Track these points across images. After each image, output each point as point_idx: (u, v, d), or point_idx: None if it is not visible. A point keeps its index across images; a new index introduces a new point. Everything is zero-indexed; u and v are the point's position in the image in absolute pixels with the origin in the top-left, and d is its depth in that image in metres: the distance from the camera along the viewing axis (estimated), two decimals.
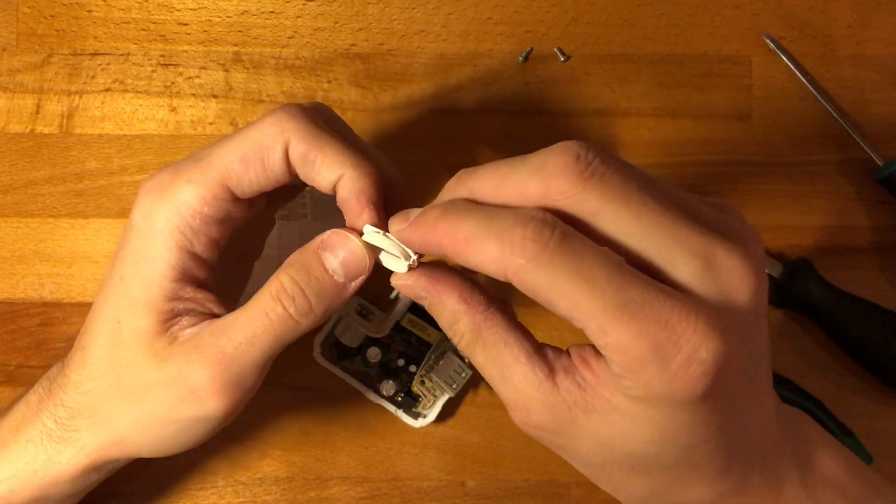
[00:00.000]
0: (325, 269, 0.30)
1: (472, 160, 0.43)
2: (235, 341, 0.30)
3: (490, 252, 0.25)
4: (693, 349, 0.23)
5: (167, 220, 0.30)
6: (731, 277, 0.25)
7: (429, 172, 0.43)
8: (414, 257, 0.29)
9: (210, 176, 0.30)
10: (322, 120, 0.31)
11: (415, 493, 0.42)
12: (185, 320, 0.31)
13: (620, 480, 0.28)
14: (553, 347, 0.28)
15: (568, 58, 0.43)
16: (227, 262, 0.33)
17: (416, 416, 0.41)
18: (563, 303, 0.24)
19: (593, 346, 0.27)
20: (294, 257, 0.31)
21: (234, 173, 0.30)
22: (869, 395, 0.43)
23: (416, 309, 0.41)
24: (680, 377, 0.23)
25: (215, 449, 0.42)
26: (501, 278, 0.25)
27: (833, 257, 0.43)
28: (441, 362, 0.40)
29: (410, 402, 0.41)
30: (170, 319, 0.31)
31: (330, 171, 0.30)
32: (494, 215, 0.25)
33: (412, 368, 0.41)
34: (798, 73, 0.43)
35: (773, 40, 0.43)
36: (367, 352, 0.41)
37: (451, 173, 0.40)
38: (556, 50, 0.43)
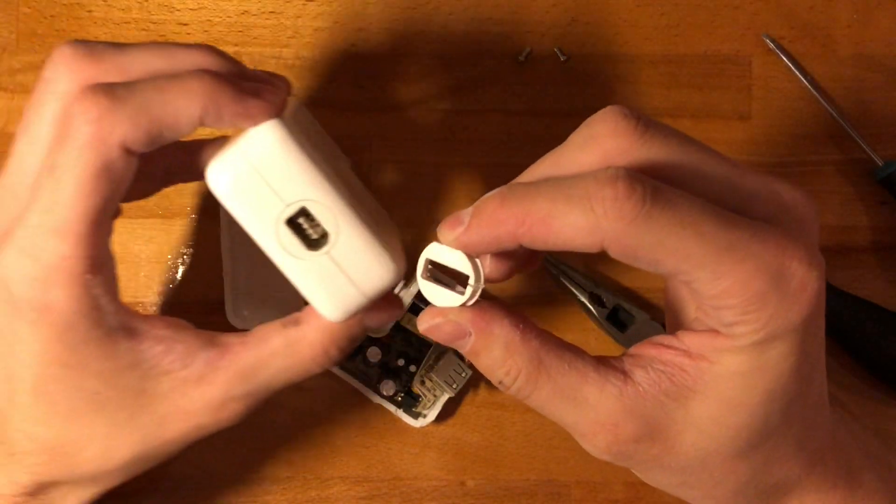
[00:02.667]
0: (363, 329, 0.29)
1: (472, 160, 0.43)
2: (265, 375, 0.29)
3: (579, 223, 0.23)
4: (804, 273, 0.23)
5: (72, 304, 0.26)
6: (798, 210, 0.25)
7: (429, 173, 0.43)
8: (475, 279, 0.25)
9: (71, 230, 0.26)
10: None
11: (415, 493, 0.42)
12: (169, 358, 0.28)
13: (721, 473, 0.26)
14: (604, 356, 0.26)
15: (568, 58, 0.43)
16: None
17: (416, 416, 0.41)
18: (670, 258, 0.23)
19: (663, 335, 0.26)
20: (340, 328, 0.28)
21: (90, 211, 0.26)
22: (869, 395, 0.43)
23: (417, 309, 0.41)
24: (796, 302, 0.23)
25: (215, 449, 0.42)
26: (595, 249, 0.23)
27: (833, 257, 0.43)
28: (441, 362, 0.40)
29: (410, 402, 0.41)
30: (152, 361, 0.28)
31: (190, 119, 0.26)
32: (570, 183, 0.23)
33: (412, 368, 0.41)
34: (798, 73, 0.43)
35: (773, 40, 0.43)
36: (367, 352, 0.41)
37: (452, 173, 0.40)
38: (555, 50, 0.43)
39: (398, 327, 0.41)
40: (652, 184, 0.23)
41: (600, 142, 0.24)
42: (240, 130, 0.27)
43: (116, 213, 0.29)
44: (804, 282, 0.23)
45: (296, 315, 0.30)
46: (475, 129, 0.43)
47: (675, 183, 0.24)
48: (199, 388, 0.28)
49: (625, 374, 0.25)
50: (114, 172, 0.26)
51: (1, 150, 0.43)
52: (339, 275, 0.27)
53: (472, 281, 0.26)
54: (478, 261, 0.26)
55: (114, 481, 0.30)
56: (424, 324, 0.26)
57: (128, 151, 0.26)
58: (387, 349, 0.41)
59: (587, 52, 0.43)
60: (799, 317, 0.24)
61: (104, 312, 0.27)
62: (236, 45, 0.43)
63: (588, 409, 0.25)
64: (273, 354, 0.29)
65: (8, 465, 0.29)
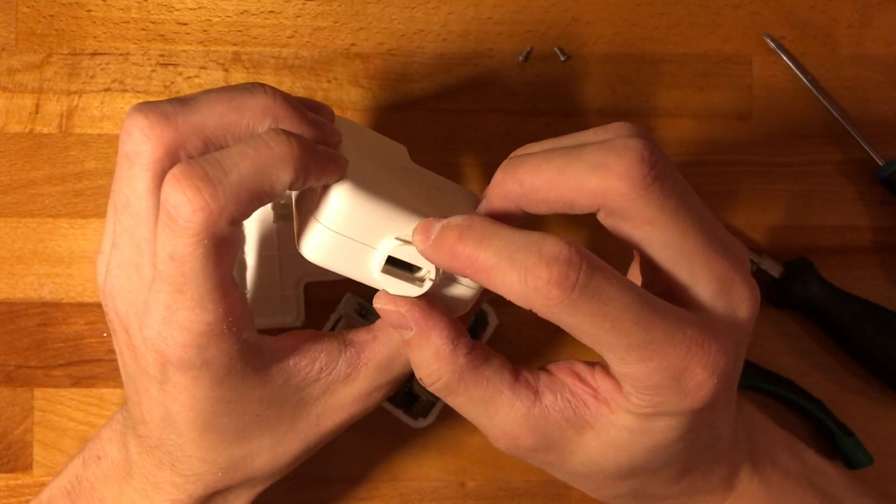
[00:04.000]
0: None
1: (472, 160, 0.43)
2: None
3: (514, 287, 0.25)
4: (706, 375, 0.25)
5: (226, 355, 0.29)
6: (740, 299, 0.27)
7: None
8: (432, 275, 0.28)
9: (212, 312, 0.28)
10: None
11: (415, 493, 0.42)
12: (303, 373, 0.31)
13: (603, 485, 0.30)
14: (529, 368, 0.29)
15: (568, 58, 0.43)
16: None
17: (416, 416, 0.41)
18: (584, 337, 0.25)
19: (585, 363, 0.29)
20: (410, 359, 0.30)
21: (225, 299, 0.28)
22: (869, 395, 0.43)
23: None
24: (689, 398, 0.26)
25: None
26: (525, 307, 0.25)
27: (833, 257, 0.43)
28: None
29: (410, 402, 0.41)
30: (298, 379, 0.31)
31: (282, 186, 0.28)
32: (518, 246, 0.25)
33: None
34: (798, 73, 0.43)
35: (773, 40, 0.43)
36: None
37: (452, 173, 0.40)
38: (556, 50, 0.43)
39: None
40: (587, 270, 0.24)
41: (608, 177, 0.26)
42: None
43: None
44: (700, 384, 0.26)
45: None
46: (475, 129, 0.43)
47: (646, 247, 0.27)
48: (346, 386, 0.31)
49: (536, 393, 0.28)
50: (227, 244, 0.27)
51: (1, 149, 0.43)
52: (448, 281, 0.29)
53: (431, 276, 0.28)
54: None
55: (281, 475, 0.33)
56: (378, 304, 0.29)
57: (235, 223, 0.27)
58: None
59: (587, 52, 0.43)
60: (689, 408, 0.26)
61: (253, 349, 0.29)
62: (235, 44, 0.43)
63: (497, 419, 0.28)
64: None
65: (182, 483, 0.31)
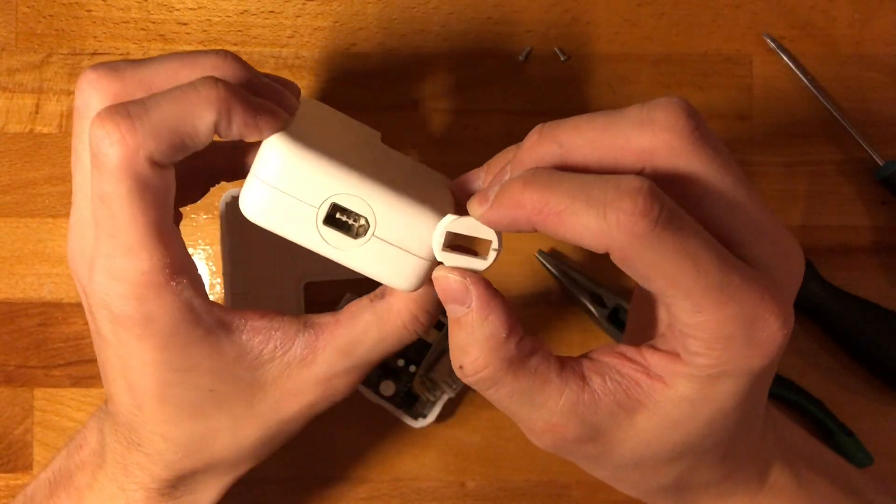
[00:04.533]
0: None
1: (472, 160, 0.43)
2: (367, 347, 0.30)
3: (590, 225, 0.23)
4: (775, 328, 0.24)
5: (165, 301, 0.28)
6: (793, 263, 0.27)
7: None
8: (497, 244, 0.26)
9: (144, 246, 0.27)
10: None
11: (415, 494, 0.42)
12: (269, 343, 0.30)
13: (649, 474, 0.28)
14: (570, 357, 0.28)
15: (568, 57, 0.43)
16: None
17: (416, 416, 0.41)
18: (662, 280, 0.24)
19: (626, 346, 0.27)
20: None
21: (151, 225, 0.27)
22: (869, 395, 0.43)
23: None
24: (758, 352, 0.24)
25: None
26: (600, 251, 0.24)
27: (833, 257, 0.43)
28: (441, 363, 0.40)
29: (410, 402, 0.41)
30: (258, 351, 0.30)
31: (207, 128, 0.27)
32: (592, 184, 0.24)
33: (412, 368, 0.41)
34: (798, 73, 0.43)
35: (773, 40, 0.43)
36: None
37: (452, 173, 0.40)
38: (556, 50, 0.43)
39: None
40: (669, 206, 0.23)
41: (657, 129, 0.25)
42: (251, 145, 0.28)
43: (177, 218, 0.31)
44: (772, 335, 0.25)
45: (382, 288, 0.31)
46: (475, 129, 0.43)
47: (701, 201, 0.25)
48: (303, 369, 0.30)
49: (583, 379, 0.27)
50: (153, 187, 0.27)
51: (1, 149, 0.43)
52: (393, 249, 0.27)
53: (494, 245, 0.27)
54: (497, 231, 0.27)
55: (247, 466, 0.32)
56: (442, 271, 0.27)
57: (159, 165, 0.27)
58: None
59: (587, 52, 0.43)
60: (757, 365, 0.25)
61: (199, 313, 0.28)
62: (235, 44, 0.43)
63: (544, 410, 0.26)
64: (366, 328, 0.30)
65: (147, 464, 0.31)
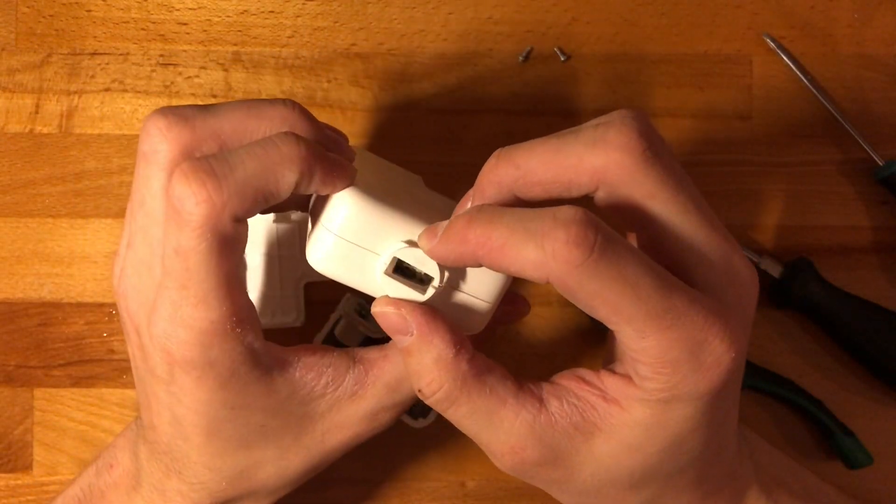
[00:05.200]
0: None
1: (472, 160, 0.43)
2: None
3: (530, 257, 0.24)
4: (722, 352, 0.25)
5: (227, 348, 0.28)
6: (744, 282, 0.27)
7: (429, 172, 0.43)
8: (436, 281, 0.27)
9: (217, 309, 0.28)
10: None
11: (415, 494, 0.42)
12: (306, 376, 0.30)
13: (614, 500, 0.29)
14: (530, 380, 0.28)
15: (568, 57, 0.43)
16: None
17: (416, 416, 0.41)
18: (603, 307, 0.24)
19: (587, 370, 0.28)
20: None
21: (227, 282, 0.28)
22: (869, 395, 0.43)
23: None
24: (706, 376, 0.25)
25: None
26: (542, 282, 0.24)
27: (833, 257, 0.43)
28: None
29: None
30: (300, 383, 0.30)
31: (288, 187, 0.28)
32: (531, 217, 0.24)
33: None
34: (798, 73, 0.43)
35: (773, 40, 0.43)
36: None
37: (452, 173, 0.40)
38: (556, 50, 0.43)
39: None
40: (605, 233, 0.24)
41: (608, 150, 0.25)
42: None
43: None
44: (719, 359, 0.25)
45: None
46: (475, 129, 0.43)
47: (651, 223, 0.26)
48: (352, 404, 0.30)
49: (541, 401, 0.27)
50: (231, 241, 0.27)
51: (1, 149, 0.43)
52: (459, 295, 0.28)
53: (435, 283, 0.27)
54: (443, 267, 0.28)
55: (287, 491, 0.33)
56: (378, 307, 0.28)
57: (238, 221, 0.27)
58: None
59: (587, 52, 0.43)
60: (706, 388, 0.25)
61: (258, 355, 0.29)
62: (235, 44, 0.43)
63: (501, 431, 0.27)
64: None
65: (189, 492, 0.31)
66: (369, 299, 0.40)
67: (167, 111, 0.28)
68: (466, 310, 0.29)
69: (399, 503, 0.42)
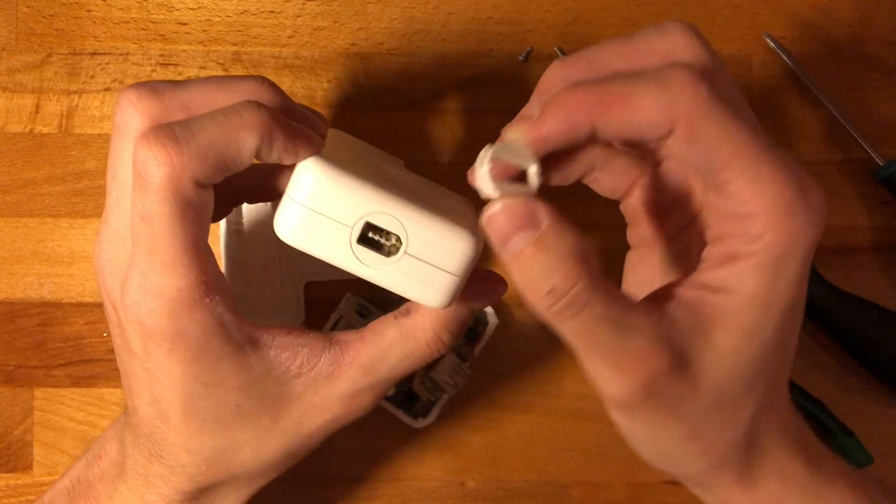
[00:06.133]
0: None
1: (472, 160, 0.43)
2: (389, 368, 0.30)
3: (655, 98, 0.24)
4: (819, 193, 0.25)
5: (197, 316, 0.28)
6: (818, 203, 0.26)
7: (429, 173, 0.43)
8: (539, 170, 0.26)
9: (180, 263, 0.28)
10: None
11: (415, 493, 0.42)
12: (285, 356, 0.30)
13: (729, 414, 0.27)
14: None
15: None
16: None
17: (416, 416, 0.41)
18: (725, 148, 0.24)
19: (674, 282, 0.27)
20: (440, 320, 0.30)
21: (191, 242, 0.28)
22: (869, 395, 0.43)
23: None
24: (815, 217, 0.25)
25: None
26: (666, 129, 0.24)
27: (833, 257, 0.43)
28: (441, 362, 0.40)
29: (410, 402, 0.41)
30: (275, 363, 0.30)
31: (249, 152, 0.28)
32: (642, 71, 0.25)
33: None
34: (798, 73, 0.43)
35: (773, 40, 0.43)
36: None
37: (452, 173, 0.40)
38: (556, 50, 0.43)
39: None
40: (712, 80, 0.24)
41: (673, 35, 0.27)
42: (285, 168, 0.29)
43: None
44: (820, 201, 0.25)
45: (407, 305, 0.31)
46: (475, 129, 0.43)
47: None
48: (329, 385, 0.30)
49: (657, 303, 0.26)
50: (195, 207, 0.27)
51: (1, 149, 0.43)
52: (425, 266, 0.28)
53: (534, 171, 0.26)
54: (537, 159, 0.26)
55: (268, 478, 0.33)
56: (495, 206, 0.25)
57: (201, 186, 0.27)
58: None
59: None
60: (813, 235, 0.25)
61: (229, 329, 0.29)
62: (235, 44, 0.43)
63: (632, 337, 0.25)
64: (390, 346, 0.31)
65: (170, 476, 0.31)
66: (369, 299, 0.41)
67: (139, 85, 0.29)
68: (432, 281, 0.28)
69: (399, 503, 0.42)
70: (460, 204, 0.33)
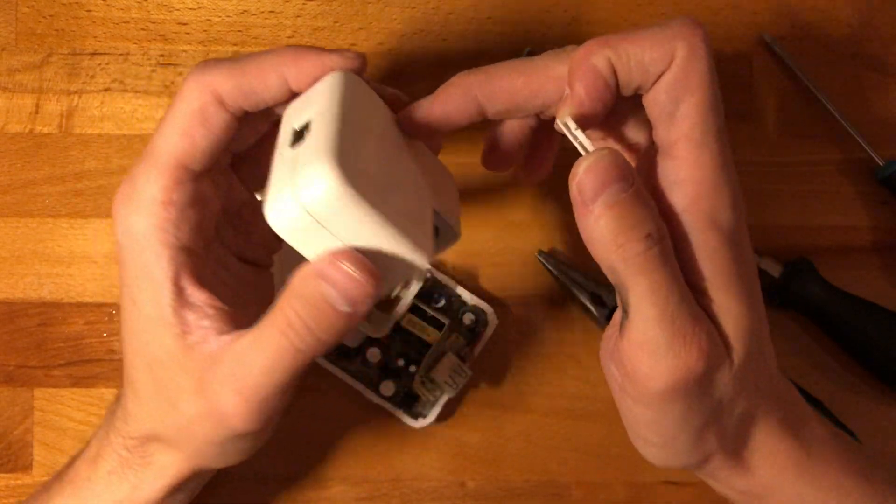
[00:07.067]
0: (327, 302, 0.27)
1: (471, 160, 0.43)
2: (254, 374, 0.28)
3: (658, 33, 0.29)
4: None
5: (144, 223, 0.28)
6: None
7: None
8: (588, 145, 0.28)
9: (162, 162, 0.29)
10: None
11: (415, 494, 0.42)
12: (200, 332, 0.29)
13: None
14: None
15: None
16: (232, 266, 0.33)
17: (416, 416, 0.41)
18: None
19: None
20: (297, 284, 0.27)
21: (181, 150, 0.29)
22: (869, 395, 0.43)
23: (416, 309, 0.41)
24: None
25: None
26: (663, 65, 0.29)
27: (833, 257, 0.43)
28: (441, 362, 0.40)
29: (410, 402, 0.41)
30: (187, 332, 0.29)
31: (278, 76, 0.29)
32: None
33: (412, 368, 0.41)
34: (798, 73, 0.43)
35: (773, 40, 0.43)
36: (367, 352, 0.41)
37: (452, 174, 0.40)
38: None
39: (398, 328, 0.41)
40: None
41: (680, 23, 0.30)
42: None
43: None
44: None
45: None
46: (475, 128, 0.43)
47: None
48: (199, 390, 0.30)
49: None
50: (206, 118, 0.28)
51: (1, 149, 0.43)
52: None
53: (589, 147, 0.28)
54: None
55: (207, 460, 0.31)
56: (590, 158, 0.27)
57: (221, 101, 0.28)
58: (386, 350, 0.41)
59: None
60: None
61: (168, 235, 0.29)
62: (235, 44, 0.43)
63: (699, 320, 0.27)
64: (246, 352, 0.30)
65: (123, 426, 0.32)
66: None
67: (204, 61, 0.30)
68: (404, 263, 0.28)
69: (399, 503, 0.42)
70: (442, 175, 0.35)
